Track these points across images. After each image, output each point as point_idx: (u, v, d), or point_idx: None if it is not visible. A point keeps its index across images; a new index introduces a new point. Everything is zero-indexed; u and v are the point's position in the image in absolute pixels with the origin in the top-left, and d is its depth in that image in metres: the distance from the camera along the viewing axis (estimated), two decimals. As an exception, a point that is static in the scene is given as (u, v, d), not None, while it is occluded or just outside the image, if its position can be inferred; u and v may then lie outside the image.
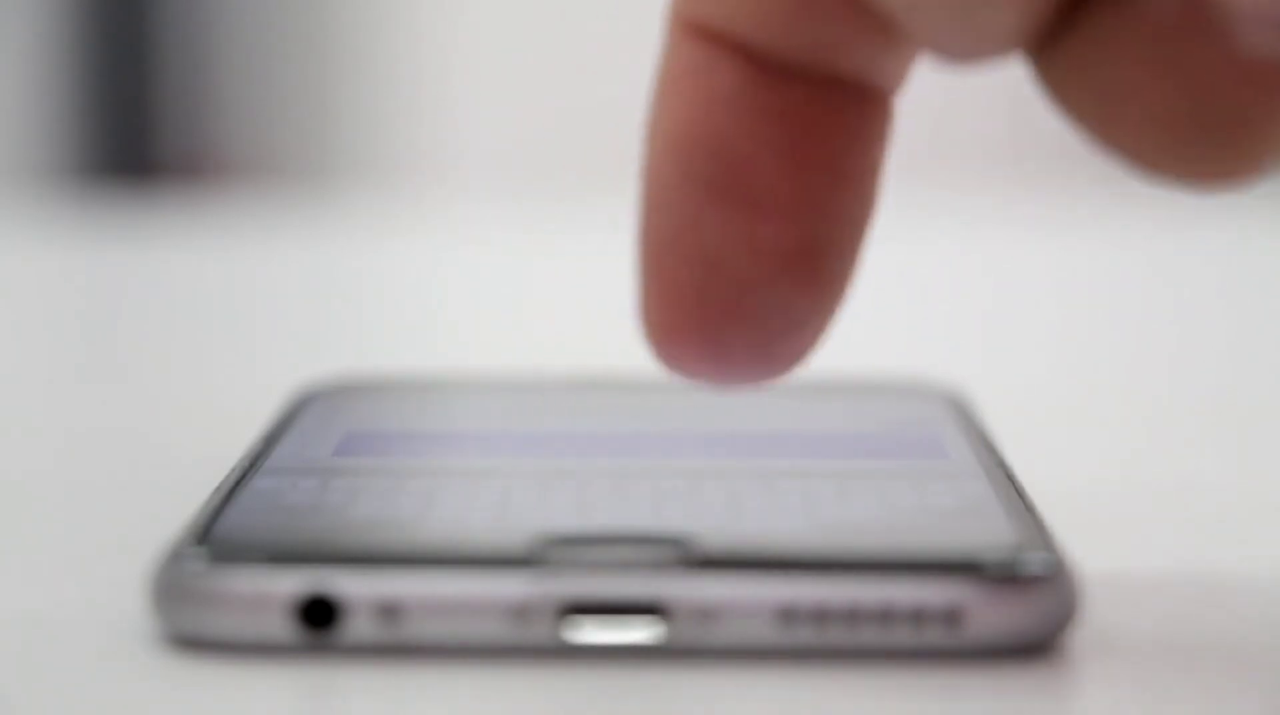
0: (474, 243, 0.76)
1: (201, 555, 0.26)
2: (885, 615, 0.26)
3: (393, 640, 0.26)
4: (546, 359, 0.49)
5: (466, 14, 1.72)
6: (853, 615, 0.26)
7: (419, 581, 0.26)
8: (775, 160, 0.24)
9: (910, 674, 0.26)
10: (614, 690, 0.25)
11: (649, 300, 0.25)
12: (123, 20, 1.66)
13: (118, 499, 0.35)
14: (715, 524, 0.28)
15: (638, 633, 0.26)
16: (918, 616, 0.26)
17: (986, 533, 0.27)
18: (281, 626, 0.26)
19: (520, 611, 0.26)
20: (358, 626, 0.26)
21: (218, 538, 0.27)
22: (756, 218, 0.24)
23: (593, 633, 0.26)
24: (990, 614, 0.26)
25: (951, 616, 0.26)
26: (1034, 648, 0.26)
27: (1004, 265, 0.70)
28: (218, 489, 0.29)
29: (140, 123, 1.68)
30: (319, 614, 0.26)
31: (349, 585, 0.26)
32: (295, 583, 0.26)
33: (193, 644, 0.26)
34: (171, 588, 0.26)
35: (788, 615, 0.26)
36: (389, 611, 0.26)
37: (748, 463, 0.31)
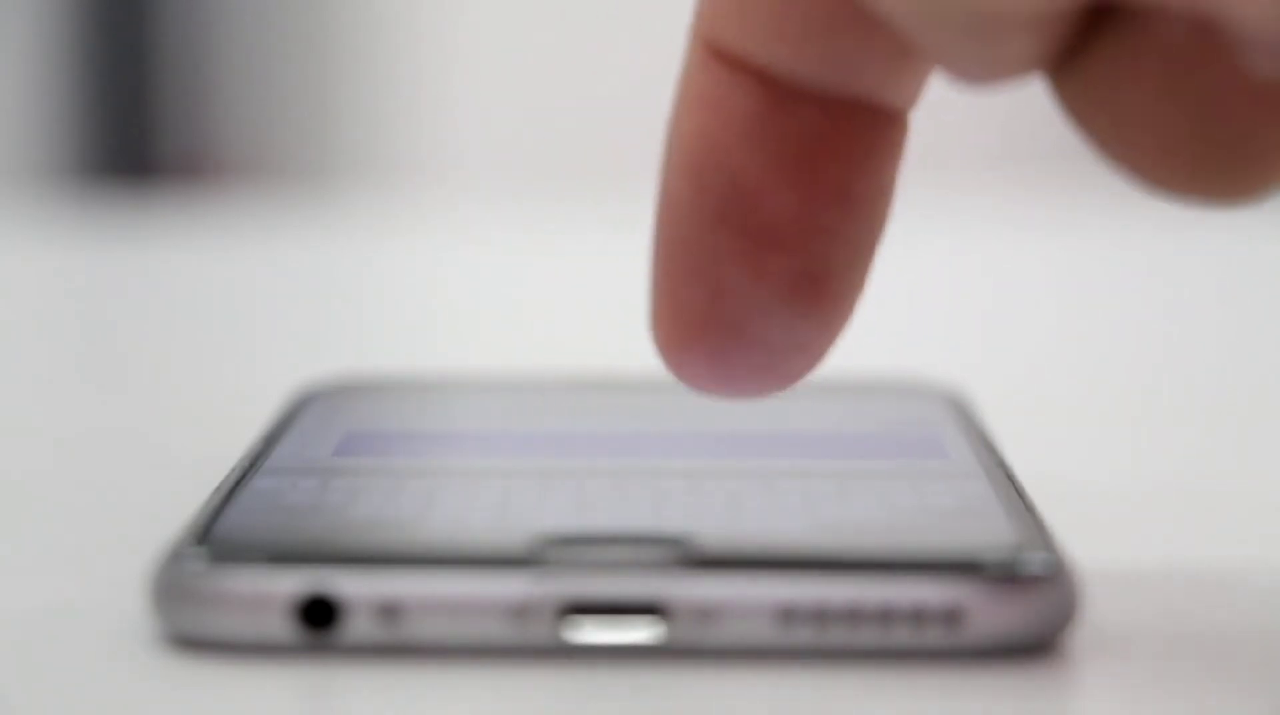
0: (474, 243, 0.76)
1: (201, 555, 0.26)
2: (885, 615, 0.26)
3: (393, 640, 0.26)
4: (546, 359, 0.49)
5: (466, 14, 1.71)
6: (853, 615, 0.26)
7: (419, 581, 0.26)
8: (787, 190, 0.24)
9: (910, 674, 0.26)
10: (614, 690, 0.25)
11: (657, 313, 0.25)
12: (123, 20, 1.66)
13: (118, 499, 0.35)
14: (715, 524, 0.28)
15: (638, 633, 0.26)
16: (918, 616, 0.26)
17: (986, 533, 0.27)
18: (281, 626, 0.26)
19: (520, 611, 0.26)
20: (358, 626, 0.26)
21: (218, 538, 0.27)
22: (765, 247, 0.25)
23: (593, 633, 0.26)
24: (990, 614, 0.26)
25: (951, 616, 0.26)
26: (1034, 648, 0.26)
27: (1003, 265, 0.70)
28: (218, 489, 0.29)
29: (140, 123, 1.67)
30: (319, 614, 0.26)
31: (349, 585, 0.26)
32: (295, 583, 0.26)
33: (193, 644, 0.26)
34: (171, 588, 0.26)
35: (788, 615, 0.26)
36: (389, 611, 0.26)
37: (747, 463, 0.31)
